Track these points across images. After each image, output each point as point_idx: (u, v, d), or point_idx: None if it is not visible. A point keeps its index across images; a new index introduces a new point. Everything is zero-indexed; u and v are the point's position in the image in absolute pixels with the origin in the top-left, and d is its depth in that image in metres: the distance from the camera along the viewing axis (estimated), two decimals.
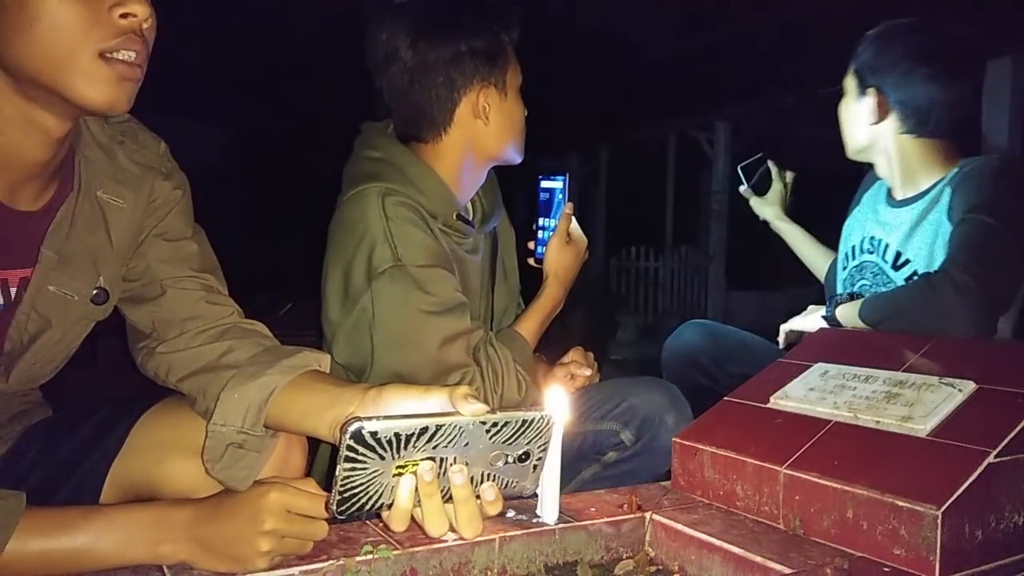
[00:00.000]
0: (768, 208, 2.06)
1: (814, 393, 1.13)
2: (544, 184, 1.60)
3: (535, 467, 0.83)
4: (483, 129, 1.45)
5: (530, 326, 1.55)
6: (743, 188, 2.07)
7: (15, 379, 1.04)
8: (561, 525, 0.98)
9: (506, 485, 0.82)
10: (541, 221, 1.60)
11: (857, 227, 1.85)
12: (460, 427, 0.76)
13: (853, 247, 1.83)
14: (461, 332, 1.36)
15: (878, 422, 1.02)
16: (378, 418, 0.73)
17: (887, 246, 1.71)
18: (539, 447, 0.81)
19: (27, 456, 1.08)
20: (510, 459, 0.80)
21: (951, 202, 1.57)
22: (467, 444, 0.77)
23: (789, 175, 2.07)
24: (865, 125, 1.70)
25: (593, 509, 1.04)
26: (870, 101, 1.68)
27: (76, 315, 1.05)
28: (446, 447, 0.76)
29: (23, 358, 1.03)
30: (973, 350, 1.17)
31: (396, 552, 0.87)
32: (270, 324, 1.13)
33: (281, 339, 1.12)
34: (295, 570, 0.84)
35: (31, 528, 0.80)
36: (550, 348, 1.67)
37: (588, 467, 1.51)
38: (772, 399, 1.16)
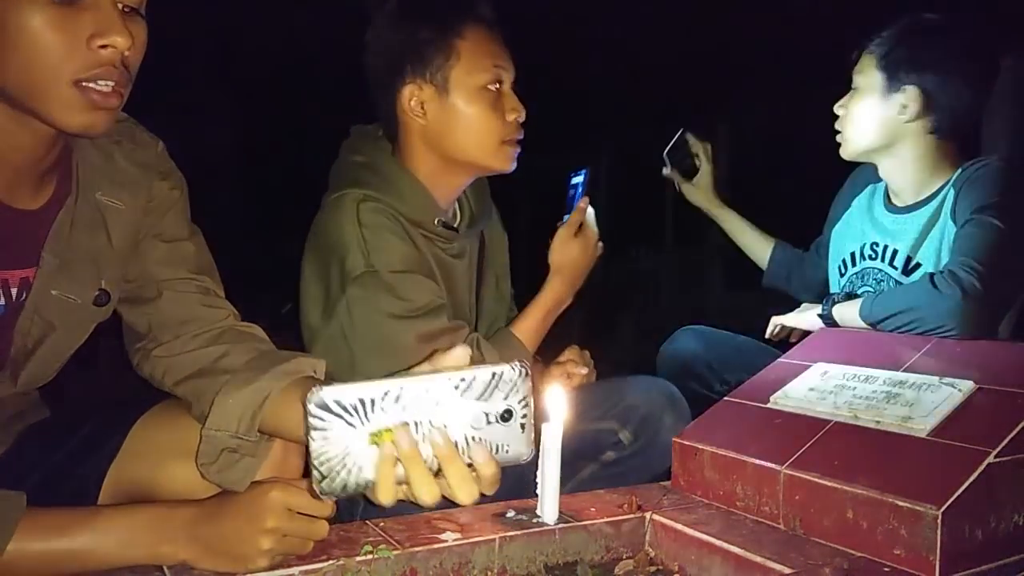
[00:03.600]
0: (699, 193, 1.92)
1: (814, 393, 1.13)
2: (572, 180, 1.54)
3: (523, 427, 0.80)
4: (428, 128, 1.41)
5: (527, 325, 1.47)
6: (665, 170, 1.89)
7: (22, 383, 1.04)
8: (561, 525, 0.98)
9: (497, 450, 0.79)
10: (565, 218, 1.52)
11: (853, 233, 1.82)
12: (425, 386, 0.74)
13: (852, 253, 1.80)
14: (439, 331, 1.33)
15: (878, 422, 1.02)
16: (339, 384, 0.72)
17: (895, 252, 1.69)
18: (520, 403, 0.78)
19: (25, 458, 1.07)
20: (491, 418, 0.77)
21: (955, 203, 1.57)
22: (438, 403, 0.75)
23: (708, 147, 1.88)
24: (890, 124, 1.64)
25: (593, 509, 1.04)
26: (906, 98, 1.61)
27: (79, 317, 1.05)
28: (416, 409, 0.74)
29: (29, 362, 1.03)
30: (973, 350, 1.17)
31: (396, 552, 0.88)
32: (270, 324, 1.13)
33: (281, 339, 1.12)
34: (295, 570, 0.84)
35: (31, 528, 0.80)
36: (547, 348, 1.66)
37: (586, 467, 1.50)
38: (772, 399, 1.16)
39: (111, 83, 0.87)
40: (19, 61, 0.84)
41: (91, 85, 0.86)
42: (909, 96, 1.63)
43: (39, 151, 0.94)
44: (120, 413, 1.10)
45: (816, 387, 1.15)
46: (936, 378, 1.05)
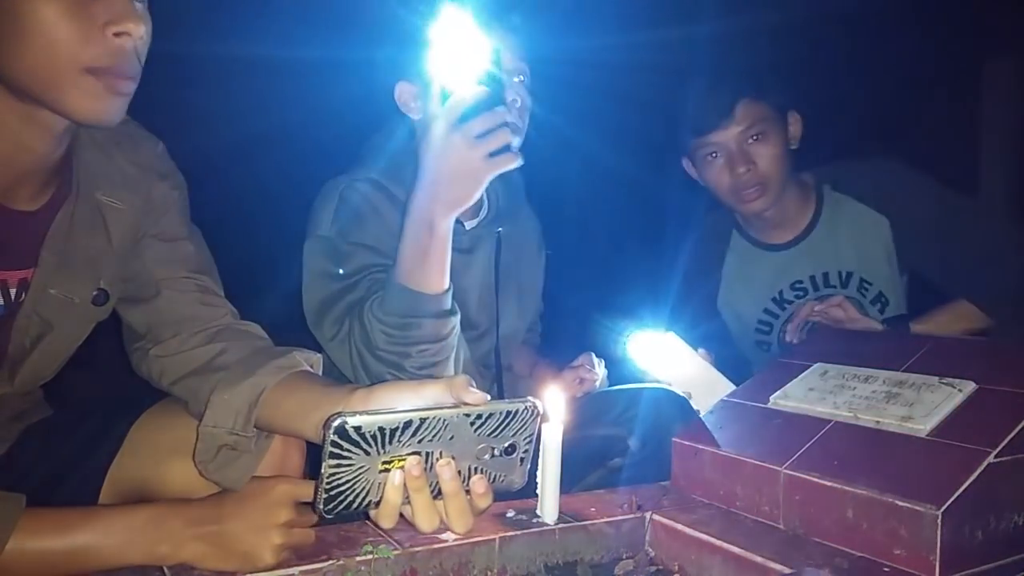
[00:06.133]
0: None
1: (814, 393, 1.13)
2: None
3: (522, 460, 0.82)
4: (423, 122, 1.42)
5: (399, 262, 1.19)
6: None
7: (20, 382, 1.04)
8: (561, 525, 0.98)
9: (494, 479, 0.81)
10: None
11: (744, 298, 1.80)
12: (444, 420, 0.75)
13: (766, 309, 1.78)
14: (341, 307, 1.28)
15: (878, 422, 1.02)
16: (361, 413, 0.72)
17: (825, 275, 1.71)
18: (525, 439, 0.81)
19: (26, 456, 1.08)
20: (496, 452, 0.79)
21: (881, 203, 1.65)
22: (452, 437, 0.77)
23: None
24: (789, 155, 1.66)
25: (593, 509, 1.04)
26: (793, 122, 1.66)
27: (77, 317, 1.05)
28: (431, 441, 0.76)
29: (27, 361, 1.03)
30: (973, 350, 1.17)
31: (396, 552, 0.88)
32: (271, 323, 1.14)
33: (282, 338, 1.12)
34: (295, 570, 0.84)
35: (30, 528, 0.80)
36: (557, 352, 1.65)
37: (593, 473, 1.50)
38: (772, 399, 1.16)
39: (124, 73, 0.87)
40: (34, 51, 0.83)
41: (108, 73, 0.86)
42: (793, 120, 1.67)
43: (45, 152, 0.94)
44: (120, 412, 1.10)
45: (816, 387, 1.15)
46: (936, 378, 1.05)
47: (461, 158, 1.11)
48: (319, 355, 1.04)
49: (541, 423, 0.83)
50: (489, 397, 0.79)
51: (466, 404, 0.77)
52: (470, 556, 0.91)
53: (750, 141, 1.61)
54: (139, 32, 0.86)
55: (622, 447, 1.46)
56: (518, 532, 0.95)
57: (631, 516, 1.03)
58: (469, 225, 1.49)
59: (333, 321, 1.29)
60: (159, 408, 1.09)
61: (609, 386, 1.64)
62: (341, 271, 1.32)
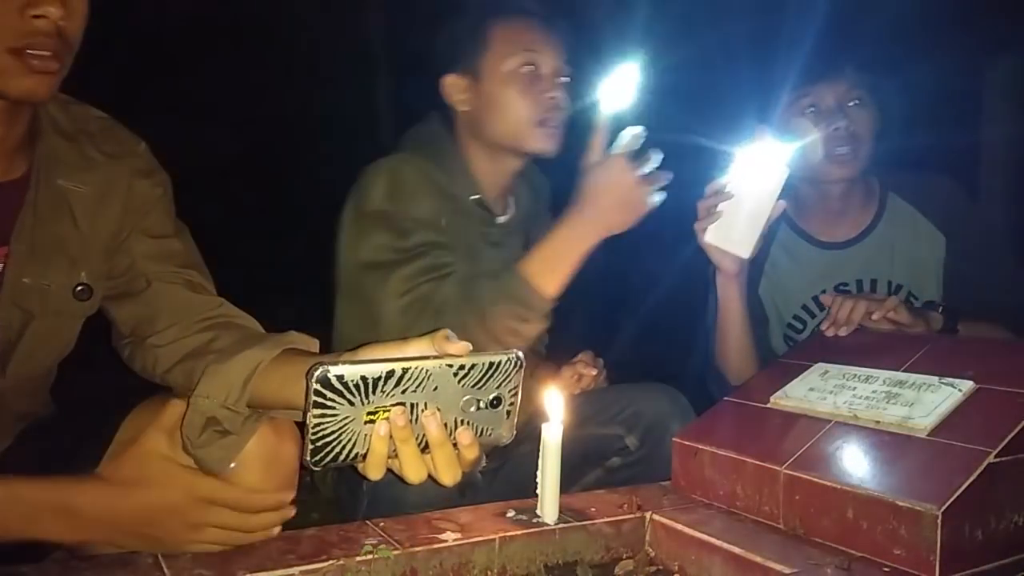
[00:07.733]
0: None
1: (814, 393, 1.13)
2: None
3: (508, 413, 0.82)
4: (470, 115, 1.47)
5: (533, 260, 1.29)
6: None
7: (12, 374, 1.04)
8: (561, 525, 0.98)
9: (481, 432, 0.81)
10: None
11: (791, 285, 1.75)
12: (427, 370, 0.75)
13: (804, 306, 1.75)
14: (426, 268, 1.32)
15: (878, 422, 1.02)
16: (343, 362, 0.73)
17: (873, 282, 1.68)
18: (510, 391, 0.81)
19: (23, 454, 1.08)
20: (482, 404, 0.80)
21: (947, 228, 1.64)
22: (436, 388, 0.77)
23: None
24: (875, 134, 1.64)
25: (593, 509, 1.04)
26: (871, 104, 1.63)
27: (58, 306, 1.06)
28: (415, 391, 0.76)
29: (16, 353, 1.04)
30: (973, 350, 1.17)
31: (396, 552, 0.88)
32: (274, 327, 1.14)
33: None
34: (295, 570, 0.84)
35: None
36: (561, 351, 1.64)
37: (591, 472, 1.49)
38: (772, 399, 1.16)
39: (47, 51, 0.89)
40: None
41: (29, 51, 0.88)
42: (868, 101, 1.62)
43: None
44: (112, 409, 1.10)
45: (816, 387, 1.15)
46: (936, 378, 1.05)
47: (631, 192, 1.26)
48: (316, 340, 1.04)
49: (525, 375, 0.82)
50: (471, 347, 0.78)
51: (449, 355, 0.77)
52: (470, 556, 0.91)
53: (850, 104, 1.60)
54: (58, 15, 0.89)
55: (620, 446, 1.46)
56: (518, 532, 0.95)
57: (631, 516, 1.03)
58: (501, 220, 1.51)
59: (403, 279, 1.30)
60: (147, 403, 1.09)
61: (609, 385, 1.63)
62: (401, 244, 1.33)
